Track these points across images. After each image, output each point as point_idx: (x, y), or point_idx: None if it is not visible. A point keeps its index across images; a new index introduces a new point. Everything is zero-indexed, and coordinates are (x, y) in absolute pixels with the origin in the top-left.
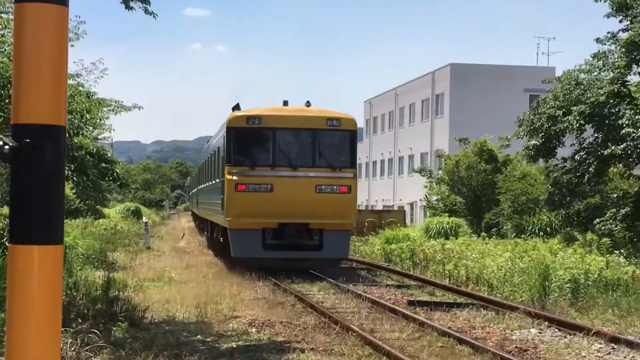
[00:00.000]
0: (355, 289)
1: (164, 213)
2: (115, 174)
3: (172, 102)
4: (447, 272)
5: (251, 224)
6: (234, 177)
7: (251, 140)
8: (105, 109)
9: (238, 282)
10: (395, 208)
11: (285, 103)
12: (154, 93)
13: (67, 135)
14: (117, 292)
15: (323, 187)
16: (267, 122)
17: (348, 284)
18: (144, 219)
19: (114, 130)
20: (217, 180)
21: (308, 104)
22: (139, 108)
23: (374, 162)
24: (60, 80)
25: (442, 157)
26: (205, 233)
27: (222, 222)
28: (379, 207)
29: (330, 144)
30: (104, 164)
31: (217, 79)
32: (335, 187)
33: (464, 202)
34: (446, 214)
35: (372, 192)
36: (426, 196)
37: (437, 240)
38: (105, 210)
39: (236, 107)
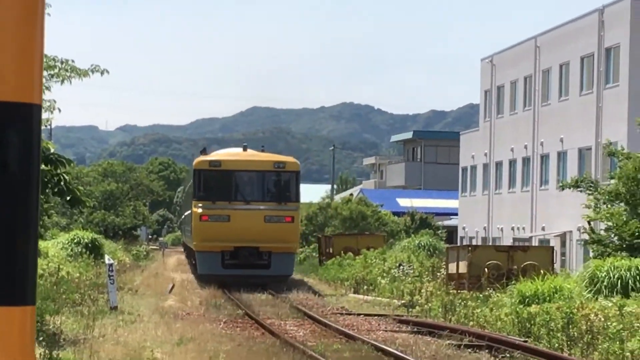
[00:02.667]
0: None
1: (138, 248)
2: (63, 183)
3: (152, 63)
4: (627, 354)
5: (212, 247)
6: (199, 210)
7: (213, 180)
8: (44, 73)
9: None
10: (535, 243)
11: (245, 148)
12: (124, 50)
13: None
14: None
15: (271, 217)
16: (226, 165)
17: None
18: (107, 259)
19: (57, 109)
20: (189, 212)
21: (262, 149)
22: (102, 72)
23: (497, 165)
24: (30, 44)
25: (615, 156)
26: (191, 260)
27: (192, 246)
28: (507, 241)
29: (276, 182)
30: (43, 166)
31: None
32: (281, 217)
33: None
34: (624, 253)
35: (494, 216)
36: (589, 223)
37: (611, 298)
38: (41, 245)
39: (203, 151)
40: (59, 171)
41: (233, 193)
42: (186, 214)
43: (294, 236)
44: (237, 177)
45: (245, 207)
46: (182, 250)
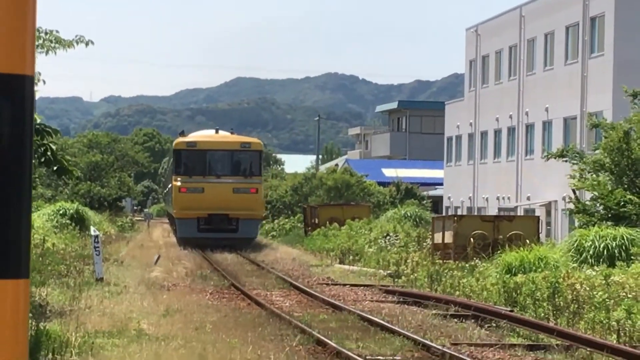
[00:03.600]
0: (458, 353)
1: (124, 220)
2: (50, 154)
3: (137, 34)
4: (613, 323)
5: (190, 214)
6: (178, 183)
7: (189, 158)
8: None
9: (255, 336)
10: (521, 213)
11: (217, 131)
12: (109, 21)
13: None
14: (51, 356)
15: (238, 189)
16: (200, 146)
17: (443, 345)
18: (92, 230)
19: (42, 81)
20: (170, 185)
21: (232, 131)
22: (87, 43)
23: (483, 134)
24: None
25: (600, 127)
26: (172, 226)
27: (173, 213)
28: (493, 211)
29: (243, 159)
30: None
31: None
32: (247, 189)
33: None
34: (610, 223)
35: (479, 186)
36: (574, 192)
37: (596, 268)
38: None
39: (182, 134)
40: (45, 141)
41: (207, 169)
42: (169, 187)
43: (258, 205)
44: (210, 156)
45: (216, 181)
46: (167, 220)
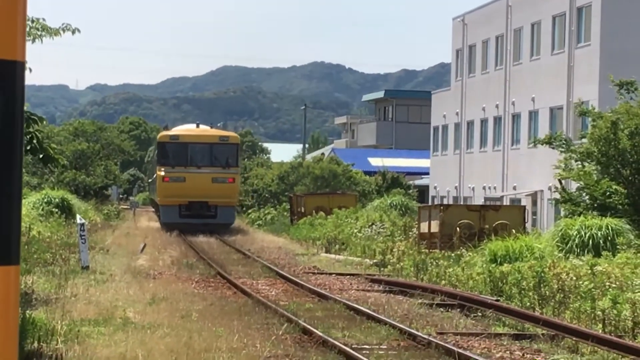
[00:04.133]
0: (444, 342)
1: (109, 208)
2: (35, 141)
3: (123, 22)
4: (599, 312)
5: (172, 201)
6: (162, 173)
7: (172, 150)
8: None
9: (241, 325)
10: (507, 202)
11: (197, 125)
12: (95, 9)
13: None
14: (37, 344)
15: (217, 178)
16: (182, 139)
17: (429, 334)
18: (78, 219)
19: (28, 69)
20: (155, 175)
21: (212, 126)
22: (73, 31)
23: (469, 124)
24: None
25: (587, 115)
26: (157, 212)
27: (157, 201)
28: (479, 200)
29: (221, 152)
30: None
31: None
32: (224, 178)
33: (626, 192)
34: (595, 213)
35: (465, 175)
36: (560, 182)
37: (582, 257)
38: None
39: (165, 128)
40: (31, 129)
41: (188, 160)
42: (153, 176)
43: (234, 193)
44: (191, 148)
45: (197, 171)
46: (152, 208)
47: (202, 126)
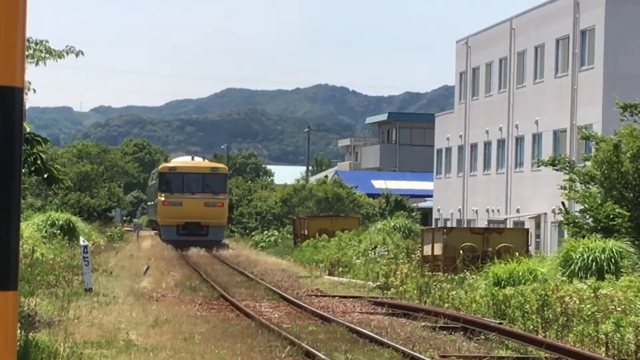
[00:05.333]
0: None
1: (113, 230)
2: (40, 162)
3: (127, 44)
4: (602, 336)
5: (171, 222)
6: (162, 198)
7: (171, 179)
8: None
9: (244, 348)
10: (510, 225)
11: (192, 158)
12: (99, 31)
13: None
14: None
15: (208, 203)
16: (179, 170)
17: (431, 357)
18: (82, 240)
19: (32, 90)
20: (156, 200)
21: (204, 158)
22: (77, 54)
23: (472, 147)
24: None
25: (590, 139)
26: (156, 231)
27: (158, 221)
28: (482, 223)
29: (212, 180)
30: None
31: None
32: (215, 203)
33: (629, 215)
34: (599, 235)
35: (468, 198)
36: (563, 204)
37: (585, 280)
38: None
39: (165, 160)
40: (35, 150)
41: (184, 187)
42: (155, 201)
43: (223, 215)
44: (187, 177)
45: (191, 197)
46: (152, 227)
47: (196, 158)
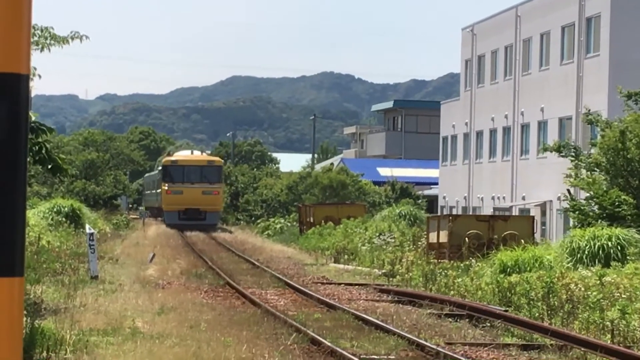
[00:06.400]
0: (452, 352)
1: (119, 218)
2: (44, 152)
3: (132, 32)
4: (607, 323)
5: (173, 208)
6: (166, 187)
7: (173, 171)
8: None
9: (250, 335)
10: (516, 212)
11: (192, 152)
12: (104, 19)
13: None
14: (45, 354)
15: (205, 191)
16: (180, 163)
17: (437, 345)
18: (87, 228)
19: (38, 76)
20: (160, 190)
21: (201, 151)
22: (81, 38)
23: (478, 134)
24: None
25: (596, 124)
26: (158, 216)
27: (162, 208)
28: (488, 210)
29: (209, 171)
30: None
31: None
32: (211, 191)
33: (635, 202)
34: (604, 223)
35: (474, 185)
36: (569, 192)
37: (591, 268)
38: None
39: (168, 154)
40: (40, 139)
41: (184, 178)
42: (158, 190)
43: (219, 202)
44: (187, 169)
45: (191, 186)
46: (161, 219)
47: (195, 152)
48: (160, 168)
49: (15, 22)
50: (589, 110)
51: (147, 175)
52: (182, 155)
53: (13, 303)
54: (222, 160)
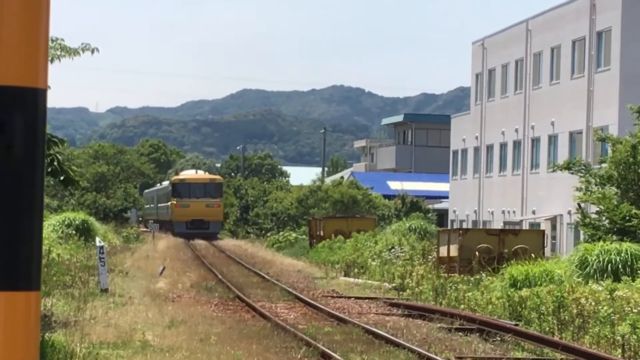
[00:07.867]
0: None
1: (129, 230)
2: (56, 164)
3: (143, 45)
4: (618, 337)
5: (181, 219)
6: (174, 202)
7: (181, 188)
8: None
9: (260, 348)
10: (526, 226)
11: (196, 171)
12: (115, 32)
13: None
14: None
15: (208, 204)
16: (187, 180)
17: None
18: (98, 241)
19: (48, 87)
20: (169, 203)
21: (205, 171)
22: (92, 51)
23: (488, 148)
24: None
25: (606, 141)
26: (167, 227)
27: (172, 220)
28: (498, 224)
29: (211, 188)
30: None
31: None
32: (213, 204)
33: None
34: (615, 237)
35: (484, 199)
36: (579, 206)
37: (601, 282)
38: None
39: (176, 173)
40: (51, 151)
41: (190, 193)
42: (167, 204)
43: (220, 213)
44: (192, 186)
45: (196, 200)
46: (170, 233)
47: (199, 171)
48: (169, 186)
49: (33, 37)
50: (601, 129)
51: (146, 191)
52: (188, 174)
53: (30, 317)
54: (222, 178)
